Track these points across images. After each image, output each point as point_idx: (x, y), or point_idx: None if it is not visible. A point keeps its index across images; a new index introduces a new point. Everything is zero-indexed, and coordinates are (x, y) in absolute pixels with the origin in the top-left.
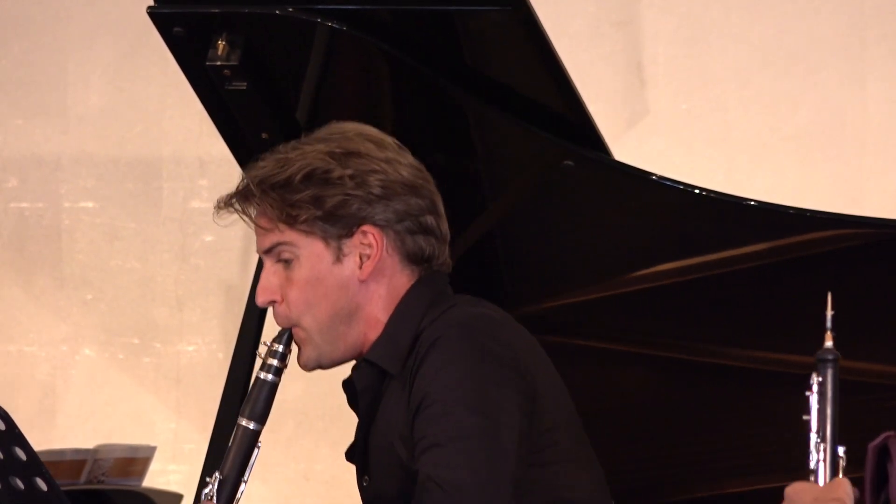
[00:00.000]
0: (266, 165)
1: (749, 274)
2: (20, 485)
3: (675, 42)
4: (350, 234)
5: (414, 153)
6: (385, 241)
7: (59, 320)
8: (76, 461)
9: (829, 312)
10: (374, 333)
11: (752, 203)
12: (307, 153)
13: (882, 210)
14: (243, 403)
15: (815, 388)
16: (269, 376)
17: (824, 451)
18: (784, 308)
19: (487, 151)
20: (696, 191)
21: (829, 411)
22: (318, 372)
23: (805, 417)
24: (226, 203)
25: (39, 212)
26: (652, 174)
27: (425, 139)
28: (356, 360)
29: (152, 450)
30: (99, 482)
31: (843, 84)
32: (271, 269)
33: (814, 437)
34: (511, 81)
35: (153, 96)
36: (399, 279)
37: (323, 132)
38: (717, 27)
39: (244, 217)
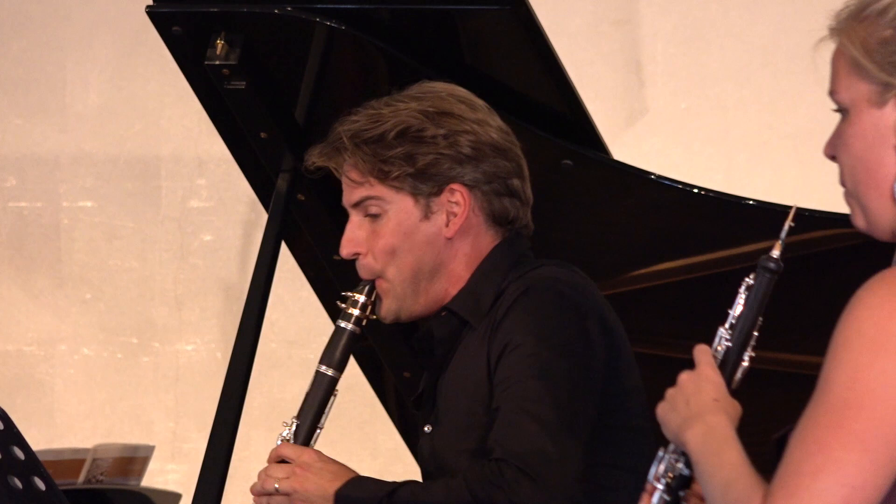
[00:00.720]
0: (359, 120)
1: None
2: (18, 484)
3: (674, 41)
4: (439, 193)
5: None
6: (472, 201)
7: (58, 320)
8: (75, 461)
9: (789, 224)
10: (455, 290)
11: (751, 202)
12: (400, 110)
13: None
14: (323, 352)
15: (743, 288)
16: (349, 325)
17: (726, 351)
18: (783, 307)
19: None
20: (695, 190)
21: (748, 316)
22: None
23: (728, 311)
24: (318, 154)
25: (38, 211)
26: (650, 173)
27: None
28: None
29: (151, 449)
30: (97, 482)
31: None
32: (357, 222)
33: (722, 331)
34: (510, 81)
35: (152, 95)
36: (483, 239)
37: (414, 90)
38: (716, 26)
39: (333, 169)
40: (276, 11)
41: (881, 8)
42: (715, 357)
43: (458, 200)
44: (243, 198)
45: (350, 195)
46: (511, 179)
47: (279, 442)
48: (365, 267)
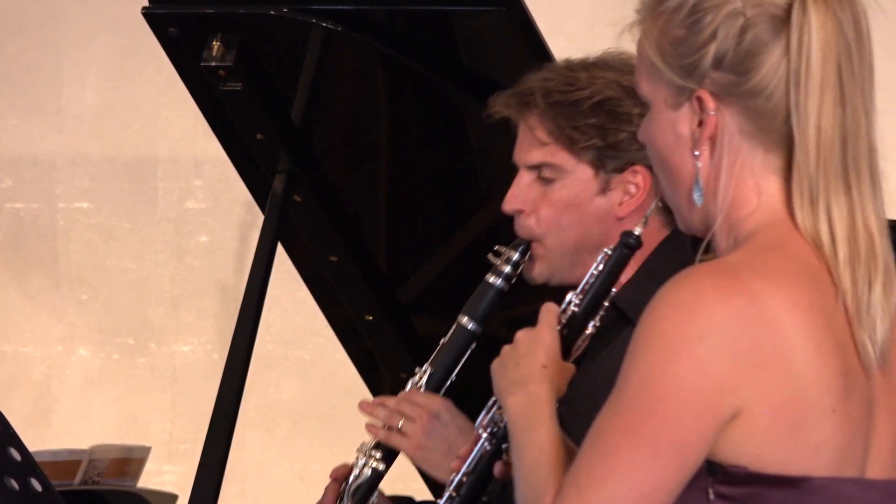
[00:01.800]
0: (553, 79)
1: None
2: (15, 485)
3: None
4: (621, 171)
5: (409, 152)
6: (651, 184)
7: (55, 320)
8: (71, 462)
9: (658, 203)
10: None
11: None
12: (596, 78)
13: None
14: (466, 304)
15: (601, 258)
16: (498, 281)
17: (571, 315)
18: None
19: (482, 151)
20: None
21: (599, 286)
22: (314, 373)
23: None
24: (504, 104)
25: (35, 212)
26: None
27: (421, 139)
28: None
29: (147, 450)
30: (94, 483)
31: None
32: (527, 179)
33: (571, 296)
34: (506, 81)
35: (149, 96)
36: (653, 223)
37: (609, 57)
38: None
39: (512, 117)
40: (272, 12)
41: (675, 5)
42: (560, 321)
43: (638, 182)
44: (240, 199)
45: (527, 155)
46: None
47: (409, 387)
48: (525, 227)
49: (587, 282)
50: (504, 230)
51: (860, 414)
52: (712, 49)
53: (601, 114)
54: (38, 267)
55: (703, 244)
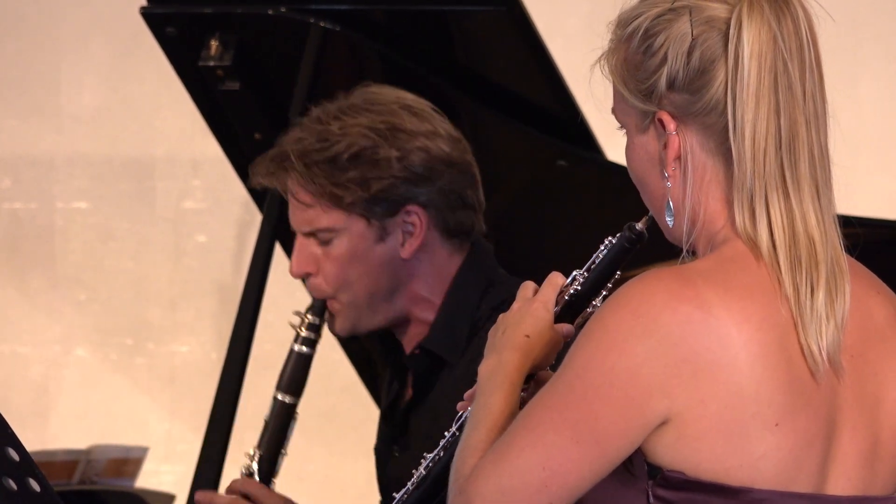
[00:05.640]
0: (306, 137)
1: None
2: (12, 485)
3: None
4: (394, 213)
5: None
6: (428, 220)
7: (53, 320)
8: (69, 462)
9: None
10: (418, 309)
11: None
12: (349, 127)
13: (875, 210)
14: (279, 377)
15: (605, 243)
16: (304, 349)
17: (571, 293)
18: None
19: (481, 151)
20: None
21: (600, 270)
22: (312, 372)
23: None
24: (265, 173)
25: (33, 212)
26: None
27: None
28: (395, 332)
29: (145, 450)
30: (92, 483)
31: (836, 84)
32: (306, 242)
33: (577, 273)
34: (505, 81)
35: (147, 96)
36: (441, 254)
37: (359, 100)
38: None
39: (279, 187)
40: (269, 12)
41: (630, 32)
42: (562, 296)
43: (413, 221)
44: (238, 199)
45: (299, 222)
46: (465, 192)
47: (243, 472)
48: (316, 288)
49: (592, 262)
50: (502, 229)
51: (814, 429)
52: (665, 71)
53: (360, 165)
54: (36, 267)
55: (681, 259)
